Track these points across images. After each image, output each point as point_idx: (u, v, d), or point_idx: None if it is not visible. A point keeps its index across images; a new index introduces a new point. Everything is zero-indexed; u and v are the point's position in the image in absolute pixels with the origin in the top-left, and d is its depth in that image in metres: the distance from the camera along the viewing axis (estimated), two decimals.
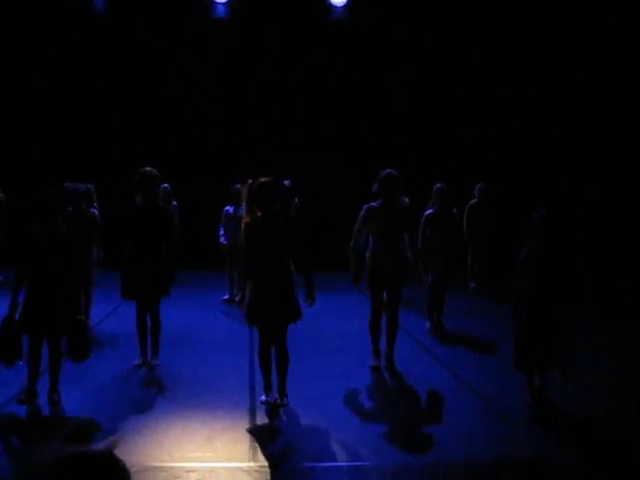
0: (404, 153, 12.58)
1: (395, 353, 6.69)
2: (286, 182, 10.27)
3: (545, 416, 5.41)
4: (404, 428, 5.21)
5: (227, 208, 9.81)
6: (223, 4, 12.66)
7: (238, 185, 9.50)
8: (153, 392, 5.94)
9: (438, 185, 8.20)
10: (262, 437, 4.91)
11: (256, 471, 4.38)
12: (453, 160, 12.66)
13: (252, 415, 5.33)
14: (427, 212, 8.13)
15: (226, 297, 9.94)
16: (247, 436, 4.93)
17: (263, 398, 5.54)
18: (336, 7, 12.75)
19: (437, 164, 12.21)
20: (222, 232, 9.78)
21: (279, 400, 5.49)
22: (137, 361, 6.62)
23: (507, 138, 12.86)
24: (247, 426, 5.12)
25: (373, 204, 6.54)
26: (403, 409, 5.66)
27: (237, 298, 9.70)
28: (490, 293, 10.18)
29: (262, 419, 5.25)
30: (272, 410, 5.39)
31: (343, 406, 5.70)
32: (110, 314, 8.72)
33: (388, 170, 6.55)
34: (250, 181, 5.43)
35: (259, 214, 5.36)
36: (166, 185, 9.86)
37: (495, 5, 12.50)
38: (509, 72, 12.84)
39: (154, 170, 6.50)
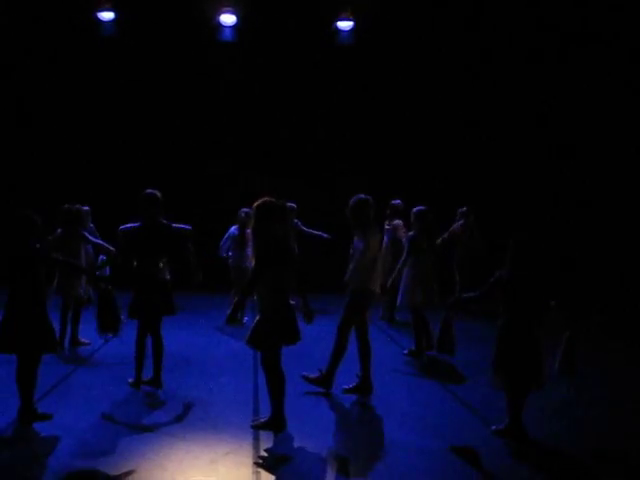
0: (408, 176, 12.63)
1: (395, 373, 6.66)
2: (289, 204, 10.34)
3: (547, 437, 5.37)
4: (409, 451, 5.14)
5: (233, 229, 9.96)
6: (230, 27, 12.79)
7: (246, 209, 9.56)
8: (156, 415, 5.90)
9: (418, 208, 8.20)
10: (266, 461, 4.88)
11: None
12: (442, 182, 12.69)
13: (256, 439, 5.29)
14: (409, 234, 8.22)
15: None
16: (251, 460, 4.89)
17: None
18: (342, 31, 12.86)
19: (436, 188, 12.21)
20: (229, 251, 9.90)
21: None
22: (130, 379, 6.56)
23: (490, 162, 12.90)
24: (251, 450, 5.08)
25: None
26: (407, 432, 5.60)
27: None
28: (484, 315, 10.10)
29: (266, 443, 5.21)
30: (276, 434, 5.36)
31: (346, 429, 5.68)
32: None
33: (356, 196, 6.60)
34: (260, 202, 5.35)
35: (272, 235, 5.30)
36: None
37: (499, 30, 12.60)
38: (510, 93, 12.92)
39: (157, 192, 6.52)
